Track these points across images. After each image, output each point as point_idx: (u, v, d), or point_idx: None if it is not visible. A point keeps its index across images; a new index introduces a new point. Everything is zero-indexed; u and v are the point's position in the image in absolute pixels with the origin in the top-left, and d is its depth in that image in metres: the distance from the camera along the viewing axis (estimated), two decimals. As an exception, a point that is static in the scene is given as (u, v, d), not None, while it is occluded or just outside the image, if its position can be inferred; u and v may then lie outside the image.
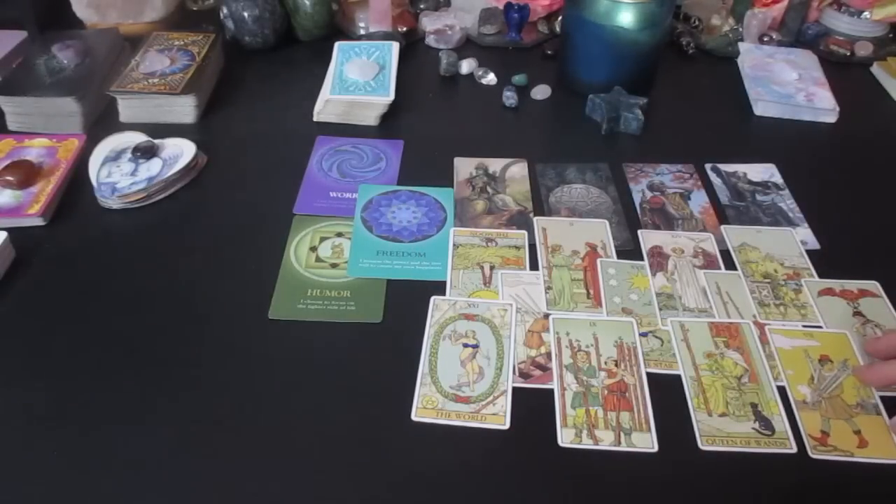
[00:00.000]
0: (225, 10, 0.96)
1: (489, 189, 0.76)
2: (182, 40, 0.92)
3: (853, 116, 0.89)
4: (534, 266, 0.66)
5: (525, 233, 0.70)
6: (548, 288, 0.64)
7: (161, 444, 0.51)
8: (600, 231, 0.70)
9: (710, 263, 0.67)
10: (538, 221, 0.71)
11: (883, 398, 0.55)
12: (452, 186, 0.76)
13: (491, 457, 0.51)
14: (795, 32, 1.05)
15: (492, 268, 0.66)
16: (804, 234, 0.71)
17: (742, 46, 1.00)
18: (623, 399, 0.54)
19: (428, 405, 0.54)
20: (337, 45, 0.92)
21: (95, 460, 0.50)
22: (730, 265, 0.67)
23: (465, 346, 0.58)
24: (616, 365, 0.57)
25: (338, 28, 1.05)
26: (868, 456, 0.51)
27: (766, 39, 1.03)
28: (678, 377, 0.56)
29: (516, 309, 0.62)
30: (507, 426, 0.52)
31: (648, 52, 0.89)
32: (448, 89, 0.95)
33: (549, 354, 0.58)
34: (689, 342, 0.59)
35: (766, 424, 0.53)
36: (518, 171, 0.79)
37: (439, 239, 0.69)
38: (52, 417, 0.52)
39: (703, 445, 0.51)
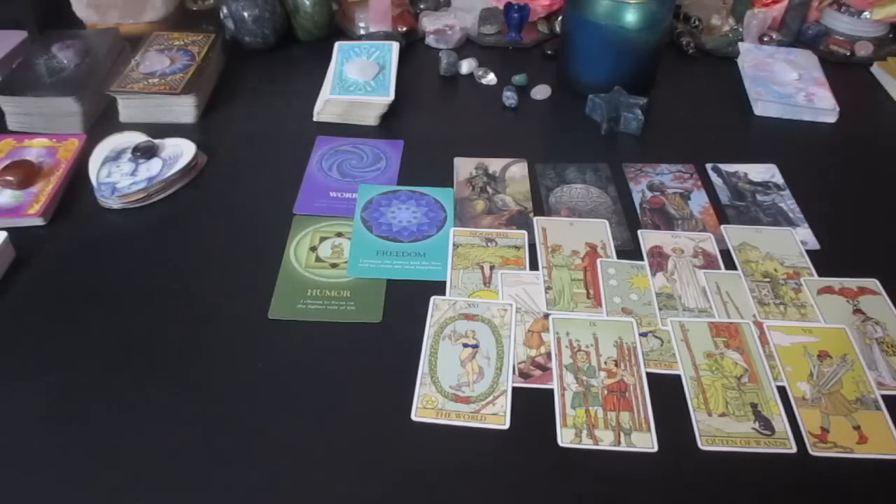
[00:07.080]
0: (225, 10, 0.96)
1: (489, 189, 0.76)
2: (182, 40, 0.92)
3: (853, 116, 0.89)
4: (534, 266, 0.66)
5: (525, 233, 0.70)
6: (548, 288, 0.64)
7: (161, 444, 0.51)
8: (600, 231, 0.70)
9: (709, 263, 0.67)
10: (538, 221, 0.71)
11: (883, 395, 0.55)
12: (452, 186, 0.76)
13: (491, 457, 0.51)
14: (795, 32, 1.05)
15: (492, 268, 0.66)
16: (804, 234, 0.71)
17: (742, 46, 1.00)
18: (623, 399, 0.54)
19: (428, 405, 0.54)
20: (337, 45, 0.92)
21: (95, 460, 0.50)
22: (730, 265, 0.67)
23: (465, 345, 0.58)
24: (616, 365, 0.57)
25: (338, 28, 1.05)
26: (868, 452, 0.51)
27: (766, 39, 1.03)
28: (678, 377, 0.56)
29: (516, 309, 0.62)
30: (507, 426, 0.52)
31: (648, 52, 0.89)
32: (448, 89, 0.95)
33: (548, 354, 0.58)
34: (689, 342, 0.59)
35: (765, 424, 0.53)
36: (518, 171, 0.79)
37: (439, 239, 0.69)
38: (52, 417, 0.52)
39: (703, 445, 0.51)
